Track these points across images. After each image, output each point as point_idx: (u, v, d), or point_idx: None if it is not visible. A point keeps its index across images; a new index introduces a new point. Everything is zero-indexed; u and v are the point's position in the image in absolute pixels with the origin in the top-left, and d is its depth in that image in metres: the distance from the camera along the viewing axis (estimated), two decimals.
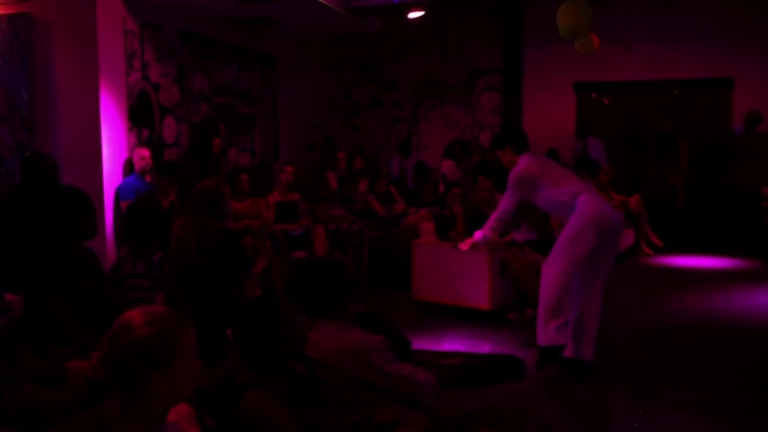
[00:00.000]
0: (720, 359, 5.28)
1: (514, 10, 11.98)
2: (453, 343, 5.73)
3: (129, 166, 7.91)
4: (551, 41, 8.05)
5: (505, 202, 5.21)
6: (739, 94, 11.04)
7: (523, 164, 5.15)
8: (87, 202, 3.73)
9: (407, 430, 2.84)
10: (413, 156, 11.87)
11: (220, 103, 10.23)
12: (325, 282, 3.12)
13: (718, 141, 10.99)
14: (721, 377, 4.89)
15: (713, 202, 10.91)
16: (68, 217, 3.61)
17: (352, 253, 7.91)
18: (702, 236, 10.77)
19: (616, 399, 4.46)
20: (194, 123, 9.54)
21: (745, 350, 5.49)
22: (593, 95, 11.94)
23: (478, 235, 5.37)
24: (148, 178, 7.69)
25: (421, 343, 5.42)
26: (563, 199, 4.94)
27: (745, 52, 10.92)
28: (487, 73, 12.30)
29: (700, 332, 6.01)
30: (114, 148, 7.80)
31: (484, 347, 5.60)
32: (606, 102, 11.98)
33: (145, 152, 7.82)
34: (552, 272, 4.83)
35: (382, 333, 3.15)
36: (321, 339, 2.95)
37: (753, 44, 10.89)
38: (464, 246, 5.45)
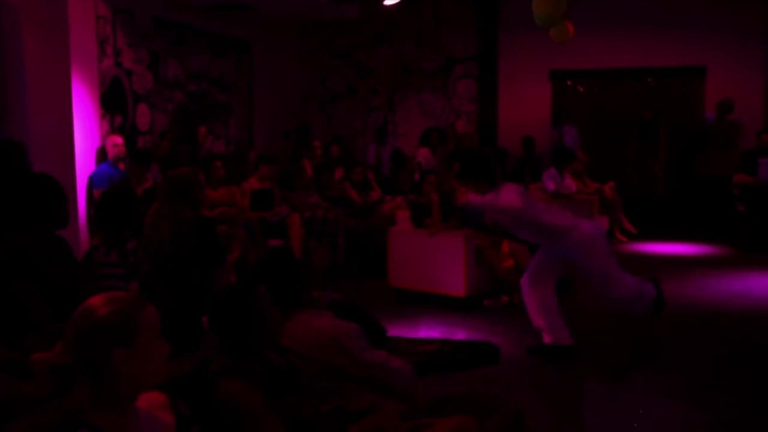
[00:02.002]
0: (691, 344, 5.35)
1: None
2: (429, 330, 5.76)
3: (102, 154, 7.83)
4: (527, 29, 8.09)
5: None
6: (712, 82, 11.16)
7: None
8: (58, 189, 3.67)
9: (382, 416, 2.85)
10: (389, 144, 11.87)
11: (194, 90, 10.14)
12: (279, 272, 3.11)
13: (691, 129, 11.11)
14: (692, 362, 4.96)
15: (687, 189, 11.04)
16: (39, 205, 3.55)
17: (327, 241, 7.90)
18: (675, 223, 10.90)
19: (588, 384, 4.51)
20: (177, 111, 9.48)
21: (716, 335, 5.57)
22: (568, 83, 12.00)
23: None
24: (122, 166, 7.62)
25: (397, 331, 5.44)
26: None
27: (717, 40, 11.03)
28: (462, 61, 12.31)
29: (672, 318, 6.07)
30: (86, 135, 7.71)
31: (460, 334, 5.63)
32: (581, 90, 12.05)
33: (119, 140, 7.74)
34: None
35: (357, 320, 3.15)
36: (294, 329, 2.94)
37: (724, 33, 11.00)
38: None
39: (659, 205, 11.13)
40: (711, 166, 10.45)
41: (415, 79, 12.56)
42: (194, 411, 2.27)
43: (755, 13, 10.94)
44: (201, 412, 2.42)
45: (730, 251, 9.20)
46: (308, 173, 9.28)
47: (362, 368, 2.93)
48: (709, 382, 4.55)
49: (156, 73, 9.26)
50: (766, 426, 3.88)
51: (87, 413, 1.85)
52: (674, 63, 11.28)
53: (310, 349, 2.87)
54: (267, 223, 7.63)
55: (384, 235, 7.16)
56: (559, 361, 4.92)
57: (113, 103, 8.36)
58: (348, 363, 2.91)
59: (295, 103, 12.95)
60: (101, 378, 1.85)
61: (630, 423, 3.93)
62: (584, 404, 4.22)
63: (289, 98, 12.79)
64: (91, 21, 7.86)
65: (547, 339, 5.01)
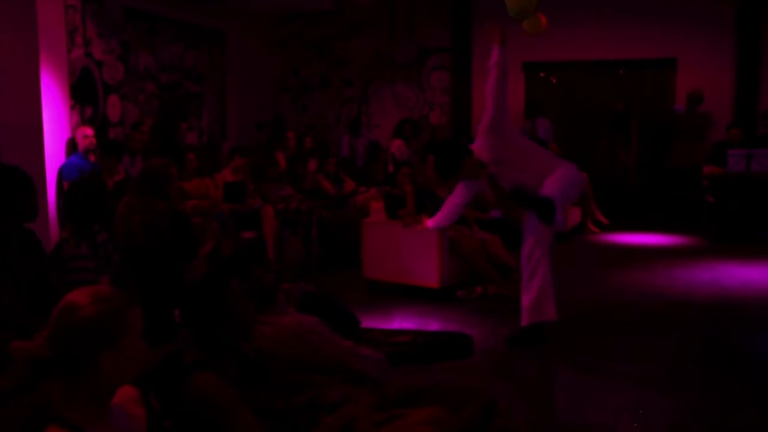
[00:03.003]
0: (662, 333, 5.42)
1: None
2: (403, 321, 5.77)
3: (72, 146, 7.74)
4: (500, 21, 8.07)
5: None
6: (682, 74, 11.27)
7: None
8: (26, 181, 3.63)
9: (355, 407, 2.85)
10: (363, 135, 11.85)
11: (166, 81, 10.05)
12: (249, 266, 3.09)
13: (662, 120, 11.23)
14: (664, 351, 5.03)
15: (657, 180, 11.17)
16: (7, 198, 3.51)
17: (301, 233, 7.88)
18: (646, 214, 11.02)
19: (560, 373, 4.56)
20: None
21: (686, 324, 5.65)
22: (541, 75, 12.05)
23: (429, 223, 5.46)
24: (92, 158, 7.53)
25: (371, 322, 5.45)
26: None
27: (687, 33, 11.14)
28: (436, 52, 12.32)
29: (644, 308, 6.16)
30: (56, 126, 7.61)
31: (434, 325, 5.66)
32: (554, 81, 12.11)
33: (89, 131, 7.66)
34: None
35: (329, 312, 3.15)
36: (259, 327, 2.92)
37: (695, 25, 11.12)
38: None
39: (630, 196, 11.25)
40: (681, 157, 10.58)
41: (388, 71, 12.55)
42: (166, 405, 2.26)
43: (726, 6, 11.06)
44: (173, 405, 2.41)
45: (700, 241, 9.32)
46: (282, 165, 9.25)
47: (330, 360, 2.93)
48: (679, 370, 4.61)
49: (127, 63, 9.16)
50: (735, 413, 3.94)
51: (59, 408, 1.84)
52: (645, 55, 11.38)
53: (275, 347, 2.86)
54: (240, 215, 7.59)
55: (358, 227, 7.16)
56: (533, 350, 4.96)
57: (83, 94, 8.25)
58: (314, 357, 2.90)
59: (268, 94, 12.88)
60: (83, 375, 1.84)
61: (601, 410, 3.98)
62: (556, 393, 4.27)
63: (263, 89, 12.71)
64: (60, 10, 7.75)
65: (524, 321, 5.06)
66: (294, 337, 2.89)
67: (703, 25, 11.13)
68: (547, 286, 5.04)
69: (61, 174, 7.37)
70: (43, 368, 1.82)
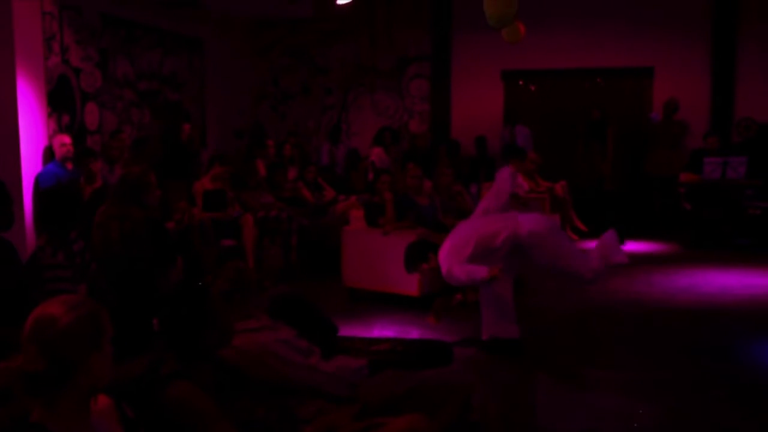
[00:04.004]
0: (642, 339, 5.46)
1: None
2: (383, 330, 5.77)
3: (49, 154, 7.66)
4: (480, 29, 8.13)
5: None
6: (659, 82, 11.39)
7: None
8: (2, 190, 3.59)
9: (335, 416, 2.85)
10: (343, 143, 11.85)
11: (144, 88, 10.00)
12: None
13: (639, 128, 11.33)
14: (644, 356, 5.06)
15: (635, 187, 11.25)
16: None
17: (281, 241, 7.85)
18: (624, 221, 11.09)
19: (540, 380, 4.57)
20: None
21: (665, 330, 5.69)
22: (520, 83, 12.13)
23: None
24: (70, 166, 7.47)
25: (351, 330, 5.44)
26: None
27: (664, 42, 11.26)
28: (416, 60, 12.36)
29: (622, 314, 6.20)
30: (32, 134, 7.54)
31: (414, 333, 5.66)
32: (532, 89, 12.19)
33: (66, 139, 7.59)
34: None
35: (307, 319, 3.13)
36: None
37: (672, 35, 11.24)
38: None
39: (608, 204, 11.31)
40: (658, 165, 10.67)
41: (368, 79, 12.57)
42: (142, 414, 2.25)
43: (702, 16, 11.19)
44: (150, 415, 2.39)
45: (677, 248, 9.41)
46: (261, 173, 9.22)
47: (292, 381, 2.91)
48: (659, 375, 4.64)
49: (105, 71, 9.10)
50: (715, 417, 3.97)
51: (41, 418, 1.86)
52: (623, 64, 11.48)
53: (245, 362, 2.84)
54: (220, 224, 7.56)
55: (338, 235, 7.15)
56: (512, 358, 4.97)
57: (60, 101, 8.18)
58: (276, 378, 2.89)
59: (247, 102, 12.85)
60: (74, 381, 1.88)
61: (581, 417, 3.99)
62: (536, 399, 4.27)
63: (242, 97, 12.68)
64: (37, 17, 7.68)
65: (485, 334, 5.11)
66: (254, 360, 2.88)
67: (680, 35, 11.25)
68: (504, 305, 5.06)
69: (38, 182, 7.29)
70: (35, 381, 1.83)
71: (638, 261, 8.61)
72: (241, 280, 3.10)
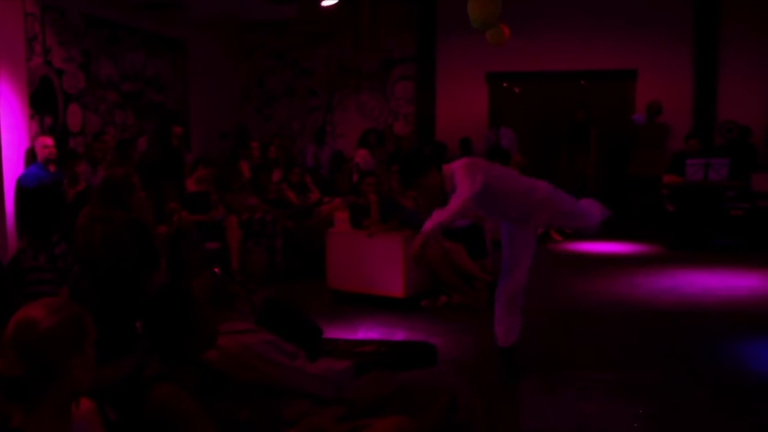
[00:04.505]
0: (625, 340, 5.49)
1: (427, 0, 12.08)
2: (368, 332, 5.76)
3: (31, 156, 7.60)
4: (464, 31, 8.15)
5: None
6: (642, 85, 11.46)
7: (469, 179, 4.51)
8: None
9: (320, 418, 2.84)
10: (328, 145, 11.84)
11: (128, 90, 9.94)
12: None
13: (622, 130, 11.41)
14: (627, 357, 5.08)
15: (618, 189, 11.32)
16: None
17: (265, 243, 7.83)
18: (607, 222, 11.14)
19: (525, 382, 4.58)
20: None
21: (648, 331, 5.72)
22: (504, 85, 12.17)
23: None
24: (52, 168, 7.41)
25: (336, 332, 5.42)
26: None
27: (647, 44, 11.35)
28: (400, 62, 12.37)
29: (606, 315, 6.23)
30: (14, 136, 7.48)
31: (399, 335, 5.66)
32: (517, 91, 12.23)
33: (48, 141, 7.54)
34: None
35: (290, 321, 3.12)
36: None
37: (654, 37, 11.33)
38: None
39: None
40: (642, 166, 10.75)
41: (353, 80, 12.57)
42: (125, 417, 2.23)
43: (684, 19, 11.28)
44: (133, 418, 2.38)
45: (660, 249, 9.47)
46: (246, 175, 9.19)
47: (277, 384, 2.90)
48: (641, 377, 4.66)
49: (88, 72, 9.04)
50: (698, 418, 4.00)
51: (22, 424, 1.85)
52: (606, 66, 11.55)
53: (227, 365, 2.83)
54: (204, 226, 7.53)
55: (322, 237, 7.14)
56: (495, 359, 4.98)
57: (43, 103, 8.12)
58: (261, 380, 2.88)
59: (232, 103, 12.81)
60: (56, 385, 1.86)
61: (565, 418, 4.01)
62: (520, 401, 4.28)
63: (226, 99, 12.64)
64: (19, 18, 7.63)
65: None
66: (238, 362, 2.86)
67: (663, 38, 11.34)
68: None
69: (20, 184, 7.24)
70: (15, 386, 1.82)
71: (621, 262, 8.66)
72: (218, 287, 3.09)
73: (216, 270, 3.25)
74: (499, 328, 4.79)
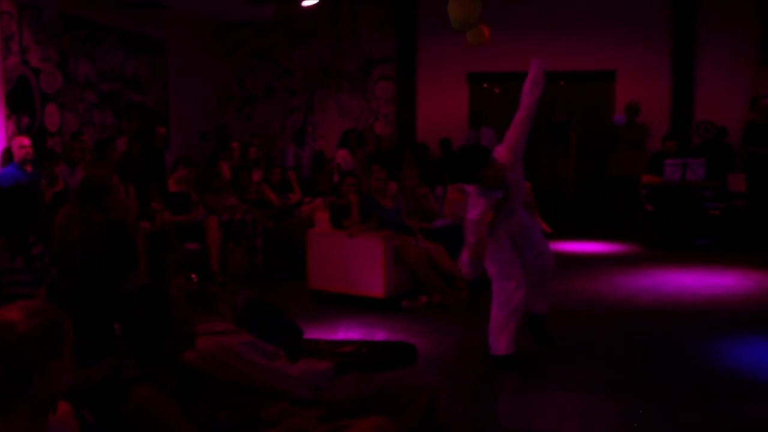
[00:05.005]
0: (604, 339, 5.52)
1: (408, 0, 12.09)
2: (348, 332, 5.76)
3: (8, 156, 7.53)
4: (444, 32, 8.17)
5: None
6: (621, 86, 11.55)
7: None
8: None
9: (300, 419, 2.84)
10: (308, 145, 11.82)
11: (106, 90, 9.87)
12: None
13: (601, 131, 11.48)
14: (606, 355, 5.12)
15: (597, 189, 11.40)
16: None
17: (245, 244, 7.81)
18: (588, 222, 11.23)
19: (504, 380, 4.60)
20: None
21: (626, 330, 5.77)
22: (485, 85, 12.21)
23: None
24: (29, 168, 7.34)
25: (317, 333, 5.42)
26: None
27: (626, 46, 11.43)
28: (381, 63, 12.37)
29: (585, 314, 6.27)
30: None
31: (379, 335, 5.66)
32: (497, 92, 12.27)
33: (25, 141, 7.46)
34: None
35: (271, 322, 3.12)
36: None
37: (633, 39, 11.42)
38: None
39: (570, 205, 11.44)
40: (621, 167, 10.82)
41: (333, 81, 12.55)
42: (103, 420, 2.22)
43: (663, 21, 11.38)
44: (111, 420, 2.37)
45: (639, 249, 9.54)
46: (226, 175, 9.16)
47: (256, 384, 2.89)
48: (620, 375, 4.70)
49: (65, 71, 8.96)
50: (675, 415, 4.03)
51: None
52: (586, 67, 11.62)
53: (206, 364, 2.82)
54: (183, 227, 7.49)
55: (303, 237, 7.12)
56: (478, 359, 5.00)
57: (19, 102, 8.05)
58: (240, 380, 2.87)
59: (212, 104, 12.75)
60: (32, 391, 1.83)
61: (544, 416, 4.03)
62: (499, 399, 4.30)
63: (206, 99, 12.58)
64: None
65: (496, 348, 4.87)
66: (218, 362, 2.85)
67: (641, 39, 11.43)
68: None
69: None
70: None
71: (600, 261, 8.72)
72: (197, 288, 3.08)
73: (192, 275, 3.23)
74: (541, 298, 5.15)
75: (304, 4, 10.15)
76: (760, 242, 9.31)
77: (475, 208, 4.79)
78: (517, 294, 4.80)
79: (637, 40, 11.42)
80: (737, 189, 9.86)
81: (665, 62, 11.43)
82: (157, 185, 8.00)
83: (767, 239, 9.31)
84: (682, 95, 11.37)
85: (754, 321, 5.98)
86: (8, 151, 7.54)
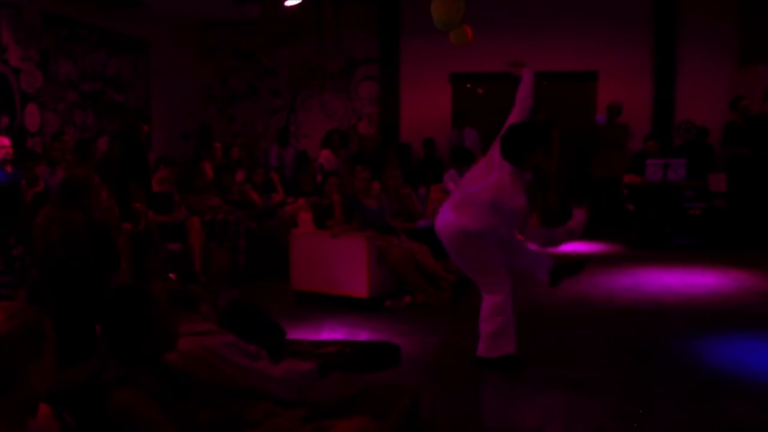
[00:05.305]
0: (586, 338, 5.55)
1: (391, 1, 12.11)
2: (332, 332, 5.75)
3: None
4: (428, 32, 8.19)
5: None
6: (603, 86, 11.62)
7: None
8: None
9: (283, 420, 2.83)
10: (291, 145, 11.80)
11: (88, 89, 9.80)
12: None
13: (584, 131, 11.54)
14: (588, 355, 5.15)
15: (580, 189, 11.45)
16: None
17: (228, 244, 7.78)
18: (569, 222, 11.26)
19: (487, 380, 4.61)
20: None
21: (609, 329, 5.80)
22: (468, 85, 12.24)
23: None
24: (9, 169, 7.28)
25: (300, 333, 5.41)
26: None
27: (608, 47, 11.51)
28: (364, 63, 12.37)
29: (568, 313, 6.30)
30: None
31: (363, 335, 5.65)
32: (480, 92, 12.31)
33: (5, 141, 7.40)
34: None
35: (254, 322, 3.11)
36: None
37: (615, 40, 11.50)
38: None
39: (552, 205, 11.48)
40: (603, 167, 10.89)
41: (317, 81, 12.54)
42: (84, 422, 2.20)
43: (644, 22, 11.47)
44: (92, 423, 2.35)
45: (621, 248, 9.60)
46: (209, 175, 9.11)
47: (239, 385, 2.88)
48: (602, 374, 4.72)
49: (46, 71, 8.89)
50: (658, 414, 4.06)
51: None
52: (568, 67, 11.68)
53: (184, 365, 2.81)
54: (166, 227, 7.45)
55: (286, 238, 7.11)
56: (461, 358, 5.01)
57: None
58: (223, 381, 2.86)
59: (194, 103, 12.69)
60: (11, 394, 1.80)
61: (528, 416, 4.04)
62: (483, 399, 4.32)
63: (189, 99, 12.52)
64: None
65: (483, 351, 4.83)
66: (199, 363, 2.84)
67: (623, 41, 11.51)
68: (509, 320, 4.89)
69: None
70: None
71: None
72: (179, 289, 3.06)
73: (171, 276, 3.22)
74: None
75: (287, 3, 10.12)
76: (740, 242, 9.39)
77: (520, 192, 4.74)
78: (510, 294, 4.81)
79: (619, 42, 11.50)
80: (718, 189, 9.94)
81: (647, 63, 11.52)
82: (141, 185, 7.94)
83: (747, 239, 9.40)
84: (663, 96, 11.47)
85: (735, 320, 6.03)
86: None
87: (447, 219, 4.73)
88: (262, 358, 3.09)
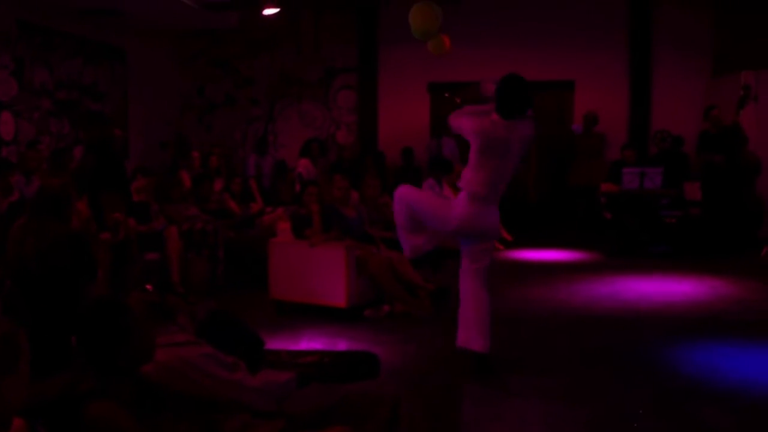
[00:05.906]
0: (565, 346, 5.58)
1: (369, 10, 12.13)
2: (310, 342, 5.73)
3: None
4: (406, 41, 8.22)
5: None
6: (579, 95, 11.73)
7: None
8: None
9: (261, 430, 2.81)
10: (270, 154, 11.77)
11: (63, 98, 9.72)
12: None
13: (561, 140, 11.63)
14: (567, 363, 5.17)
15: (558, 198, 11.54)
16: None
17: (206, 254, 7.72)
18: (547, 230, 11.35)
19: (467, 389, 4.61)
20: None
21: (587, 337, 5.83)
22: (446, 95, 12.26)
23: None
24: None
25: (279, 343, 5.38)
26: None
27: (584, 57, 11.62)
28: (343, 72, 12.39)
29: (546, 321, 6.32)
30: None
31: (342, 345, 5.64)
32: (458, 101, 12.33)
33: None
34: None
35: (232, 332, 3.08)
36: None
37: (591, 50, 11.61)
38: None
39: (531, 213, 11.56)
40: (580, 175, 10.97)
41: (295, 89, 12.53)
42: None
43: (620, 32, 11.60)
44: None
45: (598, 256, 9.67)
46: (186, 185, 9.06)
47: (217, 396, 2.86)
48: (581, 382, 4.74)
49: (21, 79, 8.81)
50: (637, 421, 4.08)
51: None
52: (545, 77, 11.76)
53: (160, 377, 2.78)
54: (143, 236, 7.39)
55: (264, 247, 7.08)
56: (441, 367, 5.01)
57: None
58: (200, 392, 2.84)
59: (172, 112, 12.63)
60: None
61: (507, 424, 4.05)
62: (462, 408, 4.31)
63: (167, 108, 12.46)
64: None
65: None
66: (176, 375, 2.82)
67: (599, 51, 11.63)
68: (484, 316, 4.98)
69: None
70: None
71: (561, 269, 8.81)
72: (156, 300, 3.03)
73: (148, 287, 3.19)
74: None
75: (265, 12, 10.11)
76: (715, 249, 9.50)
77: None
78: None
79: (596, 51, 11.62)
80: (693, 197, 10.06)
81: (623, 73, 11.64)
82: (119, 195, 7.87)
83: (722, 246, 9.50)
84: (639, 105, 11.60)
85: (710, 327, 6.09)
86: None
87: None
88: (239, 369, 3.07)
